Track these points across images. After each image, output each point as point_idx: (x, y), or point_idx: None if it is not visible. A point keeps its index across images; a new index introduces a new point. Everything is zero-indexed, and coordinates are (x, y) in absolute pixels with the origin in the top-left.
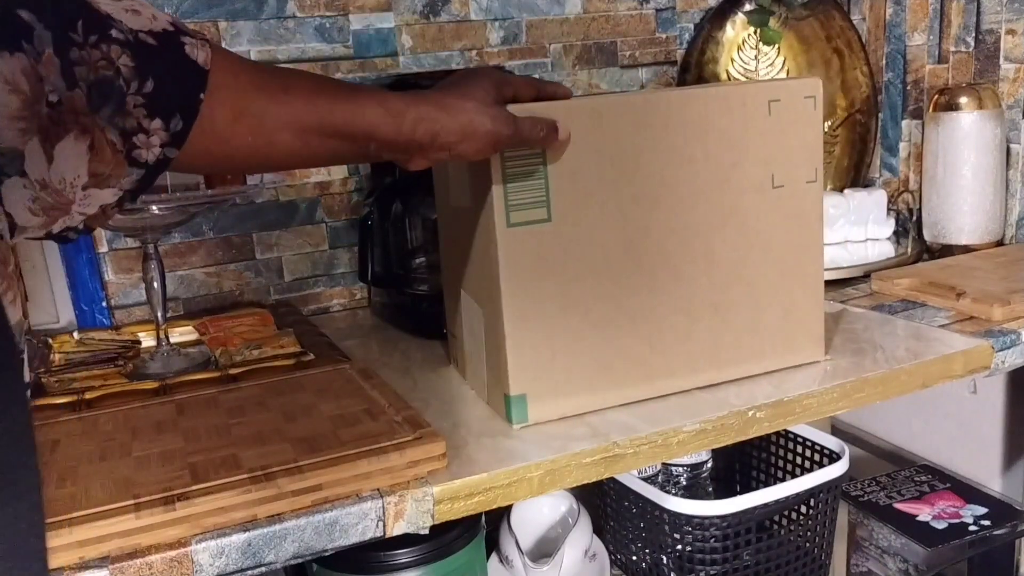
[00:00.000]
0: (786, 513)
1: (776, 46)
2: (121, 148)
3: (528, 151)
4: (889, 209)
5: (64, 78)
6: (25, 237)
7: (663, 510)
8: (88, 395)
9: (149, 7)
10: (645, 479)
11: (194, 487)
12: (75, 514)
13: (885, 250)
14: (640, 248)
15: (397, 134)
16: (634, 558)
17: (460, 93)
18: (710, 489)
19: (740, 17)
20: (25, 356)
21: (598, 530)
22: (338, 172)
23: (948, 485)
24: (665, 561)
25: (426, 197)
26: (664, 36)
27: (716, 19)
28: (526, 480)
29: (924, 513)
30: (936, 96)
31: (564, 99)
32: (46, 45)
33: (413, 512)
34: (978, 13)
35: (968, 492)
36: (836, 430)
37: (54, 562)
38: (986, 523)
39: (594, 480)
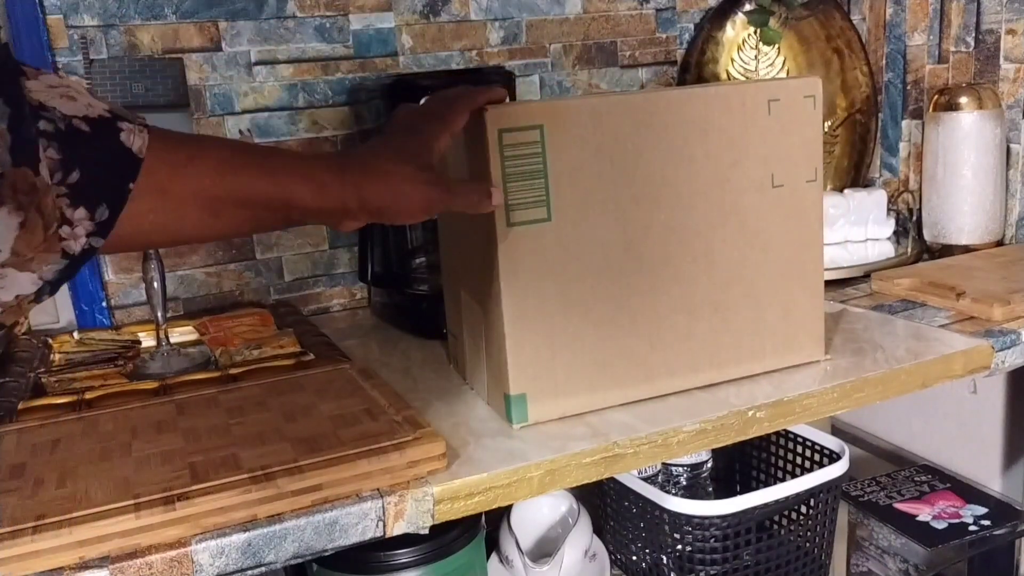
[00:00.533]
0: (786, 513)
1: (776, 46)
2: (54, 233)
3: (528, 150)
4: (889, 209)
5: (11, 154)
6: None
7: (663, 510)
8: (88, 395)
9: (86, 94)
10: (645, 479)
11: (194, 487)
12: (75, 514)
13: (885, 250)
14: (640, 248)
15: (320, 203)
16: (634, 558)
17: (393, 155)
18: (710, 489)
19: (740, 17)
20: None
21: (598, 530)
22: None
23: (948, 485)
24: (665, 561)
25: None
26: (664, 36)
27: (716, 19)
28: (526, 480)
29: (924, 513)
30: (936, 96)
31: (500, 101)
32: (1, 120)
33: (413, 512)
34: (978, 13)
35: (968, 492)
36: (836, 430)
37: (54, 562)
38: (986, 523)
39: (594, 480)
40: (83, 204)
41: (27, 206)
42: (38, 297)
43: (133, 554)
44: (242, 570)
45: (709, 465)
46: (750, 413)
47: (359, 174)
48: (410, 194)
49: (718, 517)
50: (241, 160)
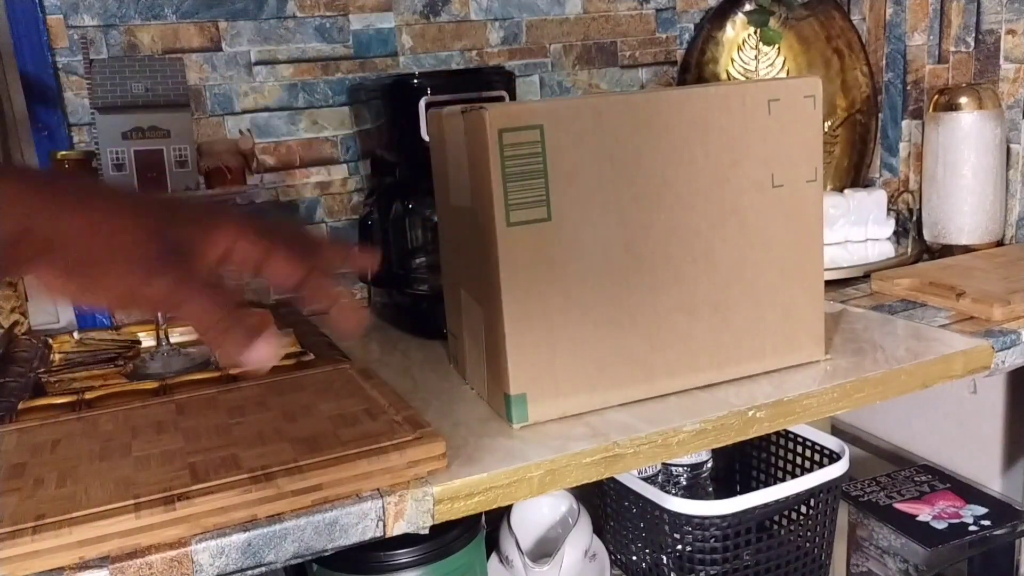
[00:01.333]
0: (786, 513)
1: (776, 46)
2: None
3: (528, 150)
4: (889, 209)
5: None
6: None
7: (663, 510)
8: (88, 395)
9: None
10: (645, 479)
11: (194, 487)
12: (75, 514)
13: (885, 250)
14: (640, 247)
15: None
16: (634, 558)
17: (130, 193)
18: (710, 489)
19: (740, 17)
20: None
21: (598, 530)
22: (338, 172)
23: (948, 485)
24: (665, 561)
25: (426, 197)
26: (664, 36)
27: (716, 19)
28: (526, 480)
29: (924, 513)
30: (936, 96)
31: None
32: None
33: (413, 512)
34: (978, 13)
35: (968, 492)
36: (836, 430)
37: (54, 562)
38: (986, 523)
39: (594, 480)
40: None
41: None
42: None
43: (133, 554)
44: (242, 570)
45: (709, 465)
46: (750, 413)
47: (63, 192)
48: (124, 243)
49: (718, 517)
50: None
